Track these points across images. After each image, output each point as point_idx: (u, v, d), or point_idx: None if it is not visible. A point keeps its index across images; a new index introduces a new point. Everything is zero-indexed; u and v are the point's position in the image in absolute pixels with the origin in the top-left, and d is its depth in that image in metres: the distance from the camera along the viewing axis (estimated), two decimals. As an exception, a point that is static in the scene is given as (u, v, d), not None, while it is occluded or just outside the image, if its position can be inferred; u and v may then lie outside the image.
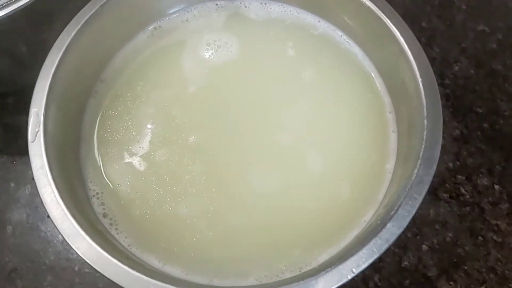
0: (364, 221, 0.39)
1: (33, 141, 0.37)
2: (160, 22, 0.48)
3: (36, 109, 0.38)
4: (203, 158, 0.41)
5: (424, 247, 0.46)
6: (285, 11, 0.49)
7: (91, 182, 0.41)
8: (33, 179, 0.45)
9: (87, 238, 0.33)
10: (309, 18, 0.48)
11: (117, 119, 0.43)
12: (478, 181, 0.48)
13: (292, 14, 0.48)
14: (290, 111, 0.44)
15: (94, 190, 0.40)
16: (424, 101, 0.38)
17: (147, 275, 0.32)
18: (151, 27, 0.47)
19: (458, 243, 0.46)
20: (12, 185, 0.48)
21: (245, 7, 0.49)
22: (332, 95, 0.44)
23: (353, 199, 0.40)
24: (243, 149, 0.41)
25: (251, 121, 0.43)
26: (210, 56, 0.46)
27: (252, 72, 0.46)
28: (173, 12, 0.48)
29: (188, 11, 0.48)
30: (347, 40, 0.47)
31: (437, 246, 0.45)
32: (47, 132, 0.37)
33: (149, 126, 0.43)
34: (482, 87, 0.53)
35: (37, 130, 0.37)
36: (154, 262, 0.38)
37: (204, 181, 0.40)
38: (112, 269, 0.32)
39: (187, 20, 0.48)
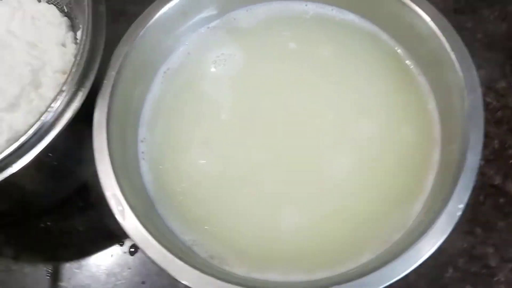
0: (435, 162, 0.42)
1: (124, 219, 0.38)
2: (166, 64, 0.49)
3: (110, 192, 0.39)
4: (274, 169, 0.43)
5: (481, 162, 0.49)
6: (270, 8, 0.50)
7: (181, 233, 0.42)
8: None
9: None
10: (296, 6, 0.50)
11: (175, 170, 0.44)
12: (497, 86, 0.52)
13: (278, 8, 0.50)
14: (315, 95, 0.46)
15: (190, 240, 0.42)
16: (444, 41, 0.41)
17: None
18: (160, 73, 0.48)
19: (506, 145, 0.50)
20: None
21: (234, 19, 0.50)
22: (352, 68, 0.47)
23: (415, 154, 0.43)
24: (305, 145, 0.44)
25: (295, 114, 0.45)
26: (221, 71, 0.48)
27: (266, 72, 0.48)
28: (174, 50, 0.49)
29: (186, 44, 0.50)
30: (339, 11, 0.49)
31: (491, 157, 0.49)
32: (131, 207, 0.38)
33: (203, 161, 0.45)
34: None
35: (120, 208, 0.38)
36: (275, 276, 0.40)
37: (286, 189, 0.42)
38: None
39: (189, 53, 0.49)
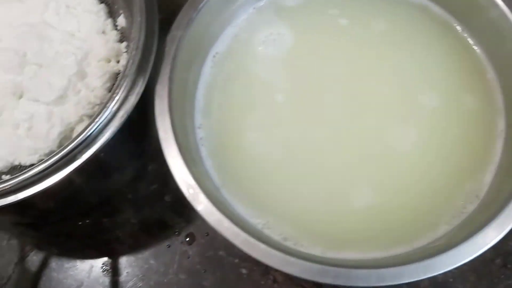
0: (501, 130, 0.42)
1: (201, 208, 0.37)
2: (215, 48, 0.48)
3: (180, 177, 0.38)
4: (339, 147, 0.43)
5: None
6: (316, -15, 0.49)
7: (251, 217, 0.41)
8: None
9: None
10: (342, -18, 0.49)
11: (236, 155, 0.44)
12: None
13: (324, -15, 0.49)
14: (372, 70, 0.46)
15: (260, 223, 0.41)
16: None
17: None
18: (210, 57, 0.47)
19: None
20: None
21: (280, -2, 0.49)
22: (406, 41, 0.46)
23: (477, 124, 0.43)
24: (368, 120, 0.43)
25: (353, 90, 0.45)
26: (271, 51, 0.47)
27: (318, 50, 0.47)
28: (222, 33, 0.48)
29: (234, 26, 0.48)
30: (387, -14, 0.48)
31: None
32: (204, 191, 0.37)
33: (263, 144, 0.44)
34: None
35: (192, 192, 0.37)
36: (352, 254, 0.39)
37: (354, 166, 0.42)
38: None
39: (236, 35, 0.48)
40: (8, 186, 0.36)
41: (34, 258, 0.50)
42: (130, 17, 0.48)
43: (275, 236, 0.40)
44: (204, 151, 0.44)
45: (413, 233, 0.39)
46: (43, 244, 0.50)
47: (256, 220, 0.41)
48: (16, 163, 0.45)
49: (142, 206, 0.50)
